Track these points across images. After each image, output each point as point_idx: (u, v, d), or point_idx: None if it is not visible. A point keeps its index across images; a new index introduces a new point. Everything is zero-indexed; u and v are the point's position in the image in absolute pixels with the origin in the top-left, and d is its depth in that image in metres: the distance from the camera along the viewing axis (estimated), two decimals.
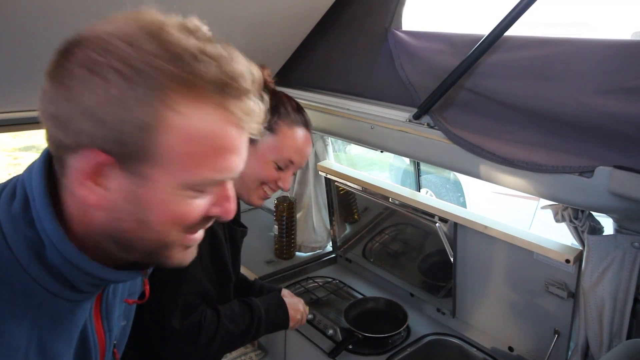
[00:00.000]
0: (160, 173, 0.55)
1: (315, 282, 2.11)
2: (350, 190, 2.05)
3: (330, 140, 2.14)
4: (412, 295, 1.95)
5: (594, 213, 1.27)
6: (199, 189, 0.59)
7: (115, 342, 0.80)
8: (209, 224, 0.65)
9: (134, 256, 0.64)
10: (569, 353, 1.45)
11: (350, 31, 1.65)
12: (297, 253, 2.29)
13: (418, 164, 2.45)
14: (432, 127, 1.40)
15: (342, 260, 2.27)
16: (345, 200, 2.16)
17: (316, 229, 2.28)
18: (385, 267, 2.07)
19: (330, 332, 1.77)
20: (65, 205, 0.60)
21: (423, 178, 3.22)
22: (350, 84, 1.69)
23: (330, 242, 2.32)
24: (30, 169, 0.62)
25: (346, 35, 1.66)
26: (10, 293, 0.57)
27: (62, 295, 0.61)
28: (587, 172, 1.09)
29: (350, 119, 1.64)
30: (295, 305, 1.46)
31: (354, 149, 4.08)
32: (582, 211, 1.26)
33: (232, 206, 0.63)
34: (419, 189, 2.51)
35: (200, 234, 0.66)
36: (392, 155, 3.25)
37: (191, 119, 0.54)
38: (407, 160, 3.56)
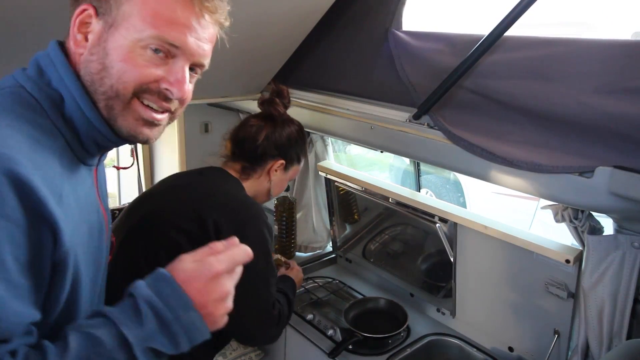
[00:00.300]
0: (123, 24, 0.71)
1: (315, 282, 2.11)
2: (350, 191, 2.05)
3: (330, 140, 2.14)
4: (412, 295, 1.95)
5: (594, 213, 1.27)
6: (154, 48, 0.72)
7: (110, 225, 0.90)
8: (162, 103, 0.76)
9: (102, 112, 0.74)
10: (569, 353, 1.45)
11: (350, 31, 1.65)
12: (297, 253, 2.29)
13: (418, 164, 2.45)
14: (432, 127, 1.40)
15: (342, 260, 2.27)
16: (345, 201, 2.16)
17: (316, 229, 2.28)
18: (385, 267, 2.07)
19: (330, 332, 1.77)
20: (75, 67, 0.75)
21: (423, 178, 3.22)
22: (351, 84, 1.69)
23: (330, 242, 2.32)
24: (44, 51, 0.76)
25: (346, 36, 1.66)
26: (44, 135, 0.69)
27: (74, 146, 0.74)
28: (587, 172, 1.09)
29: (350, 119, 1.64)
30: (297, 274, 1.70)
31: (354, 149, 4.08)
32: (582, 211, 1.26)
33: (182, 86, 0.76)
34: (419, 189, 2.51)
35: (158, 117, 0.77)
36: (392, 155, 3.25)
37: None
38: (407, 160, 3.56)
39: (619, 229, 1.21)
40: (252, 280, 1.28)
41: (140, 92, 0.74)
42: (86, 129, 0.75)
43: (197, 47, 0.76)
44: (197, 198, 1.32)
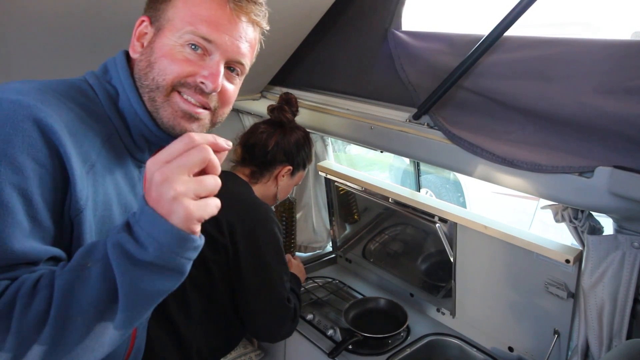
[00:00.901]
0: (167, 27, 0.82)
1: (315, 282, 2.11)
2: (350, 191, 2.05)
3: (330, 140, 2.14)
4: (412, 295, 1.95)
5: (594, 213, 1.27)
6: (192, 43, 0.80)
7: None
8: (198, 97, 0.82)
9: (147, 106, 0.83)
10: (569, 353, 1.45)
11: (350, 31, 1.65)
12: (297, 253, 2.29)
13: (418, 164, 2.45)
14: (432, 127, 1.40)
15: (342, 260, 2.27)
16: (345, 201, 2.16)
17: (316, 229, 2.28)
18: (385, 267, 2.07)
19: (330, 332, 1.77)
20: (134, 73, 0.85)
21: (423, 178, 3.22)
22: (350, 84, 1.69)
23: (330, 242, 2.32)
24: (111, 58, 0.88)
25: (346, 36, 1.66)
26: (92, 117, 0.78)
27: (123, 136, 0.84)
28: (587, 172, 1.09)
29: (350, 119, 1.64)
30: (298, 269, 1.76)
31: (354, 149, 4.08)
32: (582, 211, 1.26)
33: (215, 78, 0.81)
34: (419, 189, 2.50)
35: (197, 110, 0.83)
36: (392, 155, 3.25)
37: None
38: (407, 160, 3.56)
39: (619, 229, 1.21)
40: (267, 278, 1.36)
41: (178, 85, 0.81)
42: (134, 121, 0.84)
43: (231, 44, 0.82)
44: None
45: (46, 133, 0.68)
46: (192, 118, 0.83)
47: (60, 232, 0.72)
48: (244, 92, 1.94)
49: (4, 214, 0.64)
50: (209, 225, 1.29)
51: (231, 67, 0.85)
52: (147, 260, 0.62)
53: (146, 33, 0.84)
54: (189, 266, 0.67)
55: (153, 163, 0.63)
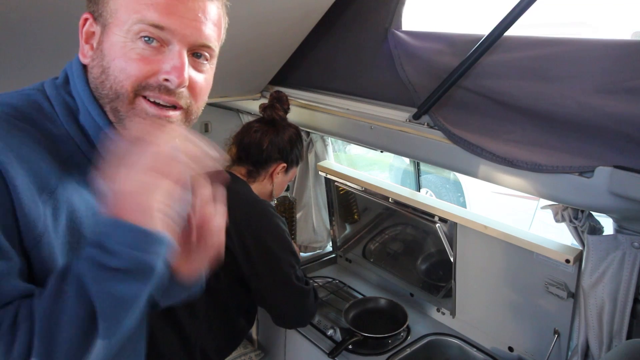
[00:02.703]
0: (112, 21, 0.70)
1: (316, 282, 2.11)
2: (350, 190, 2.05)
3: (330, 140, 2.14)
4: (412, 295, 1.95)
5: (594, 213, 1.27)
6: (144, 36, 0.69)
7: None
8: (166, 97, 0.72)
9: (110, 117, 0.74)
10: (569, 353, 1.45)
11: (350, 31, 1.65)
12: None
13: (418, 164, 2.45)
14: (432, 127, 1.40)
15: (342, 260, 2.27)
16: (345, 200, 2.16)
17: (316, 229, 2.28)
18: (385, 267, 2.07)
19: (330, 332, 1.77)
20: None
21: (423, 178, 3.22)
22: (350, 84, 1.69)
23: (330, 242, 2.32)
24: (71, 61, 0.78)
25: (346, 35, 1.66)
26: (49, 137, 0.70)
27: (86, 150, 0.74)
28: (587, 172, 1.09)
29: (350, 119, 1.64)
30: None
31: (354, 149, 4.08)
32: (582, 211, 1.26)
33: (181, 72, 0.70)
34: (419, 189, 2.50)
35: (169, 113, 0.73)
36: (392, 155, 3.26)
37: None
38: (407, 160, 3.56)
39: (619, 229, 1.21)
40: (280, 271, 1.40)
41: (140, 89, 0.70)
42: (99, 136, 0.75)
43: (189, 27, 0.70)
44: None
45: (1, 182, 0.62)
46: (159, 119, 0.73)
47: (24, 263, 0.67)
48: (244, 92, 1.95)
49: None
50: None
51: (197, 52, 0.73)
52: (117, 266, 0.62)
53: (94, 32, 0.73)
54: (159, 263, 0.65)
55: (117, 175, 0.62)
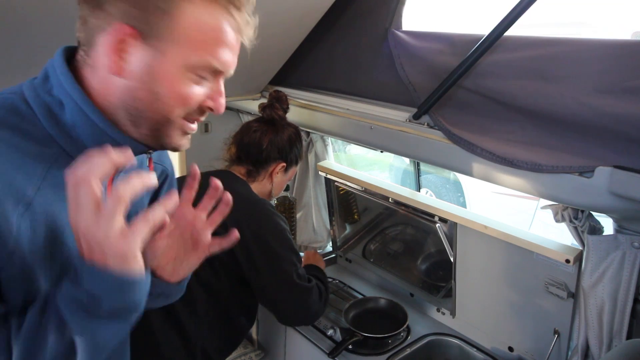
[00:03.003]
0: (173, 50, 0.69)
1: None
2: (350, 190, 2.05)
3: (330, 140, 2.14)
4: (412, 295, 1.95)
5: (594, 213, 1.27)
6: (199, 73, 0.71)
7: None
8: (203, 118, 0.77)
9: (140, 131, 0.73)
10: (569, 353, 1.45)
11: (350, 31, 1.65)
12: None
13: (418, 164, 2.45)
14: (432, 127, 1.40)
15: (342, 260, 2.27)
16: (345, 200, 2.16)
17: (316, 229, 2.28)
18: (385, 267, 2.07)
19: (330, 332, 1.77)
20: (87, 81, 0.71)
21: (423, 178, 3.22)
22: (350, 84, 1.69)
23: (330, 242, 2.32)
24: (51, 59, 0.73)
25: (346, 36, 1.66)
26: (29, 141, 0.67)
27: (73, 151, 0.70)
28: (587, 172, 1.09)
29: (350, 119, 1.64)
30: (313, 256, 1.78)
31: (354, 149, 4.08)
32: (582, 211, 1.26)
33: (222, 101, 0.76)
34: (419, 189, 2.51)
35: (194, 126, 0.77)
36: (392, 155, 3.26)
37: (203, 12, 0.69)
38: (407, 160, 3.56)
39: (619, 229, 1.21)
40: (280, 269, 1.40)
41: (187, 114, 0.74)
42: (93, 134, 0.72)
43: (234, 63, 0.76)
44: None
45: None
46: (188, 134, 0.77)
47: None
48: (244, 92, 1.95)
49: None
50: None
51: None
52: (98, 309, 0.61)
53: (131, 47, 0.68)
54: (141, 301, 0.64)
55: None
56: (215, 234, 1.31)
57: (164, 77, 0.69)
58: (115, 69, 0.68)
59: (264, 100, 1.66)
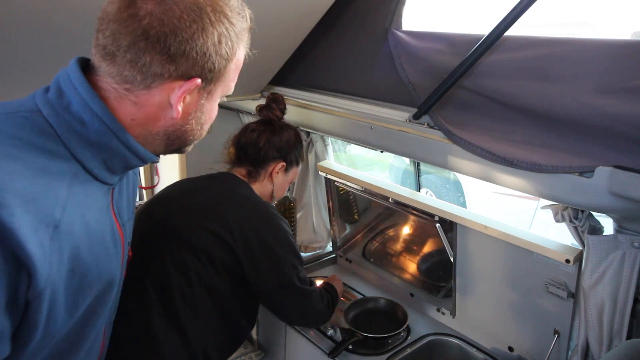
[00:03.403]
0: (218, 89, 0.82)
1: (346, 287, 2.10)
2: (350, 190, 2.05)
3: (330, 140, 2.14)
4: (412, 295, 1.95)
5: (594, 213, 1.27)
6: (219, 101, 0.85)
7: (128, 240, 0.94)
8: None
9: (171, 147, 0.84)
10: (569, 353, 1.45)
11: (350, 31, 1.65)
12: None
13: (418, 164, 2.45)
14: (432, 127, 1.40)
15: (342, 260, 2.27)
16: (345, 200, 2.16)
17: (316, 229, 2.28)
18: (385, 267, 2.07)
19: (330, 332, 1.77)
20: (109, 104, 0.75)
21: (423, 178, 3.22)
22: (350, 84, 1.69)
23: (330, 242, 2.32)
24: (63, 71, 0.75)
25: (346, 35, 1.66)
26: (53, 160, 0.69)
27: (92, 167, 0.74)
28: (587, 172, 1.09)
29: (350, 119, 1.64)
30: (339, 286, 1.78)
31: (354, 149, 4.08)
32: (582, 211, 1.26)
33: None
34: (419, 189, 2.51)
35: None
36: (392, 155, 3.26)
37: (242, 51, 0.83)
38: (407, 160, 3.56)
39: (619, 229, 1.21)
40: (280, 270, 1.41)
41: None
42: (119, 153, 0.76)
43: None
44: (220, 202, 1.42)
45: (7, 242, 0.59)
46: None
47: (14, 320, 0.65)
48: (244, 92, 1.95)
49: None
50: (219, 227, 1.33)
51: None
52: None
53: (190, 94, 0.78)
54: None
55: None
56: (217, 235, 1.32)
57: (209, 111, 0.84)
58: (177, 114, 0.77)
59: (264, 100, 1.67)
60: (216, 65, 0.76)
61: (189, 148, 0.88)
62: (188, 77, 0.75)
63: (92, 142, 0.73)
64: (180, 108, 0.76)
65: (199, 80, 0.75)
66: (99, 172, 0.75)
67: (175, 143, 0.83)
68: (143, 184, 2.53)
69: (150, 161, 0.83)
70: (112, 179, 0.80)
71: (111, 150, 0.75)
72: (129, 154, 0.77)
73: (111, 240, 0.81)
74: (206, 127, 0.85)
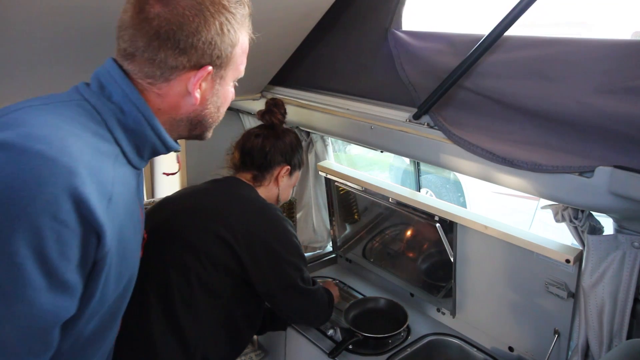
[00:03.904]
0: (229, 73, 0.91)
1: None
2: (350, 190, 2.05)
3: (330, 140, 2.14)
4: (412, 295, 1.95)
5: (594, 213, 1.27)
6: (235, 81, 0.95)
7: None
8: None
9: (194, 132, 0.95)
10: (569, 353, 1.45)
11: (350, 31, 1.65)
12: None
13: (418, 164, 2.45)
14: (432, 127, 1.40)
15: (342, 260, 2.27)
16: (345, 200, 2.16)
17: (316, 229, 2.28)
18: (385, 267, 2.07)
19: (330, 332, 1.77)
20: (145, 96, 0.85)
21: (423, 178, 3.22)
22: (350, 84, 1.69)
23: (330, 242, 2.32)
24: (103, 68, 0.85)
25: (346, 35, 1.66)
26: (103, 143, 0.79)
27: (129, 154, 0.84)
28: (587, 172, 1.09)
29: (350, 119, 1.64)
30: (335, 291, 1.84)
31: (354, 149, 4.08)
32: (582, 211, 1.26)
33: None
34: (419, 189, 2.51)
35: None
36: (392, 155, 3.26)
37: (245, 36, 0.91)
38: (407, 160, 3.56)
39: (619, 229, 1.21)
40: (283, 271, 1.42)
41: None
42: (151, 141, 0.86)
43: None
44: (225, 204, 1.43)
45: (81, 207, 0.68)
46: None
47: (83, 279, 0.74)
48: (244, 92, 1.95)
49: (20, 277, 0.65)
50: (223, 229, 1.33)
51: None
52: None
53: (205, 81, 0.88)
54: None
55: None
56: (220, 237, 1.32)
57: (224, 95, 0.93)
58: (195, 100, 0.87)
59: (264, 100, 1.67)
60: (223, 52, 0.85)
61: (209, 134, 0.97)
62: (200, 66, 0.84)
63: (129, 128, 0.83)
64: (197, 94, 0.86)
65: (210, 68, 0.85)
66: (132, 156, 0.85)
67: (197, 127, 0.93)
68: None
69: (173, 149, 0.92)
70: (141, 164, 0.89)
71: (144, 137, 0.85)
72: (157, 142, 0.87)
73: (137, 218, 0.91)
74: (223, 110, 0.94)
